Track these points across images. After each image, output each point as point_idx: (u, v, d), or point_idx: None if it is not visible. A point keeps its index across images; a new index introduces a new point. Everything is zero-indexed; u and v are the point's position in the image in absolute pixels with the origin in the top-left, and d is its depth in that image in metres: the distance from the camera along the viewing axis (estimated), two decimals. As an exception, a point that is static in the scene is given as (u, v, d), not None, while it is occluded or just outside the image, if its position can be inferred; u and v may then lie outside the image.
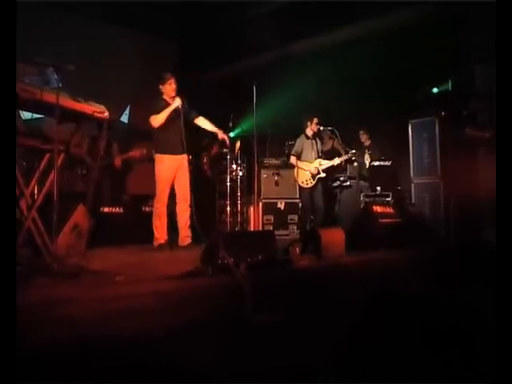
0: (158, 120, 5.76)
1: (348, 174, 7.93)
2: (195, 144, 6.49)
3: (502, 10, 2.68)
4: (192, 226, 5.85)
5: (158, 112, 5.78)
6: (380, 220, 6.15)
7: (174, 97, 5.87)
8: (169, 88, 5.91)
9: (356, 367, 2.43)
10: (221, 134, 6.20)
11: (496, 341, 2.10)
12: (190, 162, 6.22)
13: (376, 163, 7.74)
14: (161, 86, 5.96)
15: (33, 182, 4.07)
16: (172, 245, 5.87)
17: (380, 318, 3.09)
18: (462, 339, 2.66)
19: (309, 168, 7.25)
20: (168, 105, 5.83)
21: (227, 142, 6.42)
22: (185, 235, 5.87)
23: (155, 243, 5.80)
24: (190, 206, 5.84)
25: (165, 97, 5.94)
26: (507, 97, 2.62)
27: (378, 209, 6.42)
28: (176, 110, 5.83)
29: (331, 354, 2.56)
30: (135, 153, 7.49)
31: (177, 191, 5.89)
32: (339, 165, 7.49)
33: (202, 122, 6.20)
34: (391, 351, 2.58)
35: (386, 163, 7.70)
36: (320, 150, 7.44)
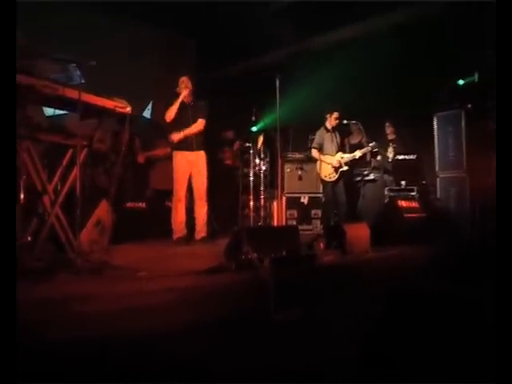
0: (168, 114, 5.98)
1: (372, 167, 7.82)
2: (216, 139, 6.48)
3: (502, 9, 2.64)
4: (208, 221, 6.07)
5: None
6: (405, 215, 6.05)
7: (189, 95, 6.05)
8: (183, 89, 6.04)
9: (380, 365, 2.36)
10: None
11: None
12: (210, 158, 6.27)
13: (401, 157, 7.61)
14: (177, 90, 6.10)
15: (56, 178, 4.08)
16: (189, 239, 6.00)
17: (405, 316, 3.01)
18: (486, 339, 2.58)
19: (331, 161, 7.14)
20: (183, 105, 6.01)
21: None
22: (200, 229, 6.02)
23: (174, 237, 5.96)
24: (207, 201, 6.04)
25: (181, 96, 6.06)
26: (507, 97, 2.56)
27: (403, 203, 6.32)
28: (185, 107, 5.99)
29: (354, 352, 2.50)
30: (159, 151, 7.51)
31: (194, 187, 6.05)
32: (362, 158, 7.36)
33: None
34: (415, 349, 2.51)
35: (411, 157, 7.56)
36: (339, 143, 7.32)
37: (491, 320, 2.34)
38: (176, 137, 6.00)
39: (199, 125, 6.07)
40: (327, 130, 7.29)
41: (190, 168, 6.01)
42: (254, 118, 8.09)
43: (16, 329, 1.89)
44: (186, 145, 5.98)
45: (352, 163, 7.27)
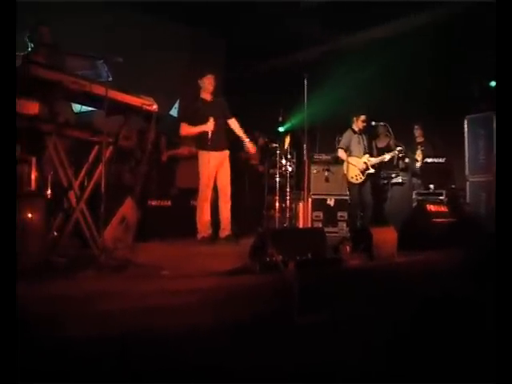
0: (185, 132, 6.09)
1: (399, 170, 7.70)
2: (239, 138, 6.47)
3: (502, 9, 2.66)
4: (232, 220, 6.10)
5: (190, 121, 6.01)
6: (434, 219, 5.91)
7: (213, 91, 6.08)
8: (208, 85, 6.07)
9: (405, 371, 2.30)
10: (248, 144, 6.27)
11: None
12: (234, 157, 6.33)
13: (429, 160, 7.47)
14: (199, 81, 6.12)
15: (82, 174, 4.08)
16: (213, 238, 6.00)
17: (432, 322, 2.92)
18: (486, 339, 2.50)
19: (357, 163, 7.05)
20: (205, 104, 6.05)
21: (251, 151, 6.48)
22: (225, 227, 6.02)
23: (198, 236, 5.94)
24: (231, 200, 6.07)
25: (202, 94, 6.12)
26: (508, 96, 2.56)
27: (431, 208, 6.18)
28: (214, 107, 6.05)
29: (380, 357, 2.43)
30: (184, 150, 7.51)
31: (218, 186, 6.06)
32: (390, 161, 7.25)
33: (234, 125, 6.27)
34: (442, 356, 2.43)
35: (440, 160, 7.42)
36: (368, 147, 7.23)
37: (491, 320, 2.30)
38: (187, 130, 6.04)
39: (232, 123, 6.18)
40: (354, 132, 7.21)
41: (217, 168, 6.02)
42: (280, 119, 8.06)
43: (17, 327, 1.88)
44: (212, 144, 5.94)
45: (379, 166, 7.16)
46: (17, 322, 1.92)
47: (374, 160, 7.04)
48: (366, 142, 7.23)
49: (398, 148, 7.02)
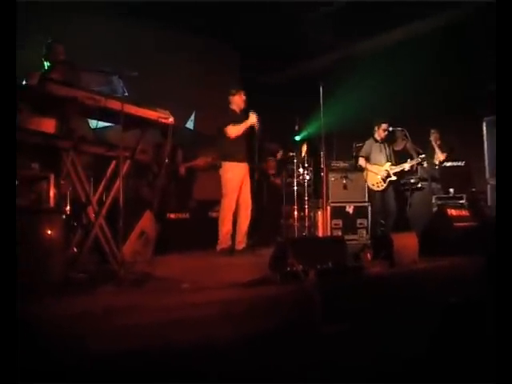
0: (235, 131, 5.98)
1: (419, 175, 7.62)
2: (260, 149, 6.46)
3: (502, 10, 2.67)
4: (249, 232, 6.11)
5: (233, 123, 6.00)
6: (455, 224, 5.82)
7: (244, 108, 6.16)
8: (238, 100, 6.17)
9: (430, 378, 2.26)
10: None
11: None
12: (255, 168, 6.31)
13: (448, 164, 7.40)
14: (230, 97, 6.20)
15: (100, 189, 4.09)
16: (232, 250, 5.98)
17: (455, 329, 2.87)
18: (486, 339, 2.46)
19: (379, 171, 7.01)
20: (237, 115, 6.10)
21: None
22: (241, 240, 6.04)
23: (218, 248, 5.94)
24: (252, 212, 6.08)
25: (233, 107, 6.19)
26: (508, 96, 2.58)
27: (452, 212, 6.08)
28: (238, 117, 6.07)
29: (404, 365, 2.39)
30: (200, 161, 7.52)
31: (240, 200, 6.04)
32: (410, 168, 7.20)
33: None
34: (466, 364, 2.39)
35: (459, 163, 7.33)
36: (390, 155, 7.18)
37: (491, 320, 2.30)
38: (235, 130, 5.99)
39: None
40: (376, 141, 7.18)
41: (241, 179, 6.04)
42: (297, 128, 8.07)
43: (17, 327, 1.88)
44: (237, 155, 6.01)
45: (400, 173, 7.11)
46: (17, 322, 1.92)
47: (396, 168, 6.99)
48: (388, 151, 7.21)
49: (421, 156, 6.95)
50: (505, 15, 2.65)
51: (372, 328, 2.96)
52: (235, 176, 5.99)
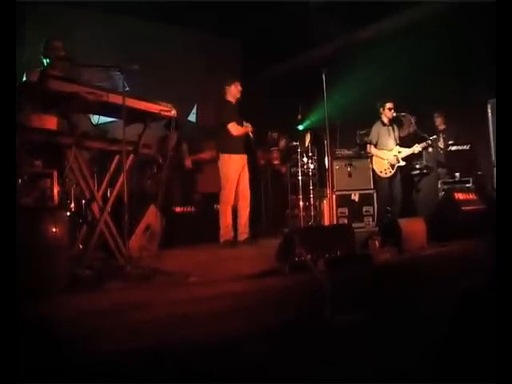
0: (236, 131, 6.05)
1: (424, 160, 7.54)
2: (262, 139, 6.45)
3: (502, 9, 2.65)
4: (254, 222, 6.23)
5: (233, 116, 6.09)
6: (463, 207, 5.76)
7: (239, 98, 6.20)
8: (234, 90, 6.19)
9: (441, 369, 2.22)
10: None
11: None
12: (256, 159, 6.38)
13: (454, 148, 7.30)
14: (226, 88, 6.21)
15: (104, 185, 4.06)
16: (234, 241, 6.05)
17: (468, 317, 2.82)
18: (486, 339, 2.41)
19: (387, 157, 6.90)
20: (233, 106, 6.19)
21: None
22: (243, 231, 6.09)
23: (221, 240, 6.00)
24: (250, 202, 6.15)
25: (229, 98, 6.20)
26: (508, 96, 2.55)
27: (459, 196, 6.02)
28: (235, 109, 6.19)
29: (415, 355, 2.35)
30: (205, 154, 7.50)
31: (239, 191, 6.10)
32: (419, 152, 7.10)
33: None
34: (479, 352, 2.35)
35: (465, 147, 7.24)
36: (398, 137, 7.07)
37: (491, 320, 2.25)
38: (237, 130, 6.07)
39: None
40: (384, 124, 7.04)
41: (239, 171, 6.08)
42: (299, 117, 8.02)
43: (17, 327, 1.86)
44: (235, 148, 6.07)
45: (408, 158, 7.02)
46: (17, 322, 1.90)
47: (405, 152, 6.89)
48: (396, 134, 7.06)
49: (432, 137, 6.84)
50: (505, 15, 2.63)
51: (384, 317, 2.92)
52: (233, 168, 6.03)
